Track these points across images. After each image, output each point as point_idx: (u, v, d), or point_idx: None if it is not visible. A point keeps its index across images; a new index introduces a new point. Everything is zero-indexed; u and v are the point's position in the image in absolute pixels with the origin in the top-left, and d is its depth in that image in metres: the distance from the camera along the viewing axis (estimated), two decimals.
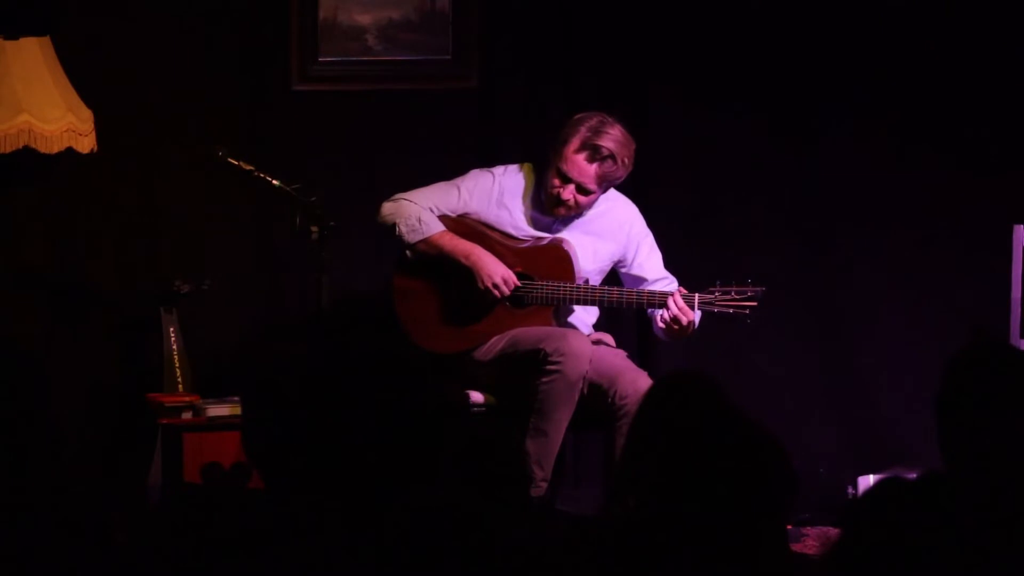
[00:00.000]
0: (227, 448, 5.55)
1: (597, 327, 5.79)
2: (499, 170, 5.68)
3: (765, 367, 6.57)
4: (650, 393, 3.90)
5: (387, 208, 5.58)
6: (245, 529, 2.55)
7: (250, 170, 5.64)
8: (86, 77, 5.88)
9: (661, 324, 5.52)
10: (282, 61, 6.28)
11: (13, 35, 5.70)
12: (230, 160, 5.63)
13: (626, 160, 5.50)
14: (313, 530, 2.51)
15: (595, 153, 5.46)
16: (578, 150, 5.47)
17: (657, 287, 5.63)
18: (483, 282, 5.50)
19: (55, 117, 5.67)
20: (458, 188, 5.64)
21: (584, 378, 5.37)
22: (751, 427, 2.69)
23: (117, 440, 6.05)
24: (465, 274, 5.53)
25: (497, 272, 5.50)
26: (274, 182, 5.63)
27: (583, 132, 5.48)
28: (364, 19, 6.36)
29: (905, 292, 6.58)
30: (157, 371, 5.93)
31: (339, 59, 6.33)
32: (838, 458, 6.46)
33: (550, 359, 5.34)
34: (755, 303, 5.49)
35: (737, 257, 6.43)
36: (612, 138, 5.47)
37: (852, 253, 6.59)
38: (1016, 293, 5.94)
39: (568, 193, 5.51)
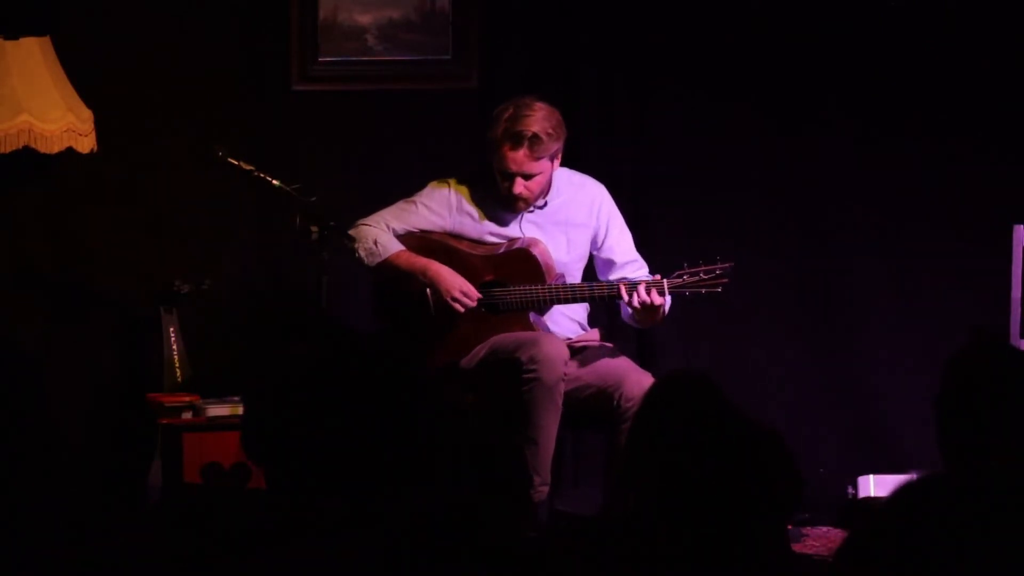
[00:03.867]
0: (227, 448, 5.55)
1: (593, 322, 5.80)
2: (453, 178, 5.69)
3: (765, 367, 6.57)
4: (650, 393, 3.90)
5: (348, 235, 5.60)
6: (245, 529, 2.55)
7: (250, 170, 5.64)
8: (86, 77, 5.88)
9: (629, 310, 5.55)
10: (282, 61, 6.28)
11: (13, 35, 5.70)
12: (230, 160, 5.63)
13: (551, 131, 5.50)
14: (313, 530, 2.51)
15: (518, 140, 5.47)
16: (501, 144, 5.49)
17: (627, 270, 5.65)
18: (442, 298, 5.52)
19: (55, 117, 5.68)
20: (416, 204, 5.66)
21: (563, 379, 5.37)
22: (751, 426, 2.69)
23: (117, 440, 6.05)
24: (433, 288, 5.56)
25: (454, 286, 5.52)
26: (274, 182, 5.63)
27: (503, 125, 5.49)
28: (364, 19, 6.35)
29: (905, 292, 6.58)
30: (157, 371, 5.93)
31: (339, 59, 6.33)
32: (838, 458, 6.46)
33: (525, 367, 5.35)
34: (726, 280, 5.50)
35: (737, 256, 6.43)
36: (531, 119, 5.48)
37: (852, 253, 6.59)
38: (1016, 293, 5.94)
39: (519, 187, 5.53)
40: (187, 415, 5.76)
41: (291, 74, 6.29)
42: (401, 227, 5.64)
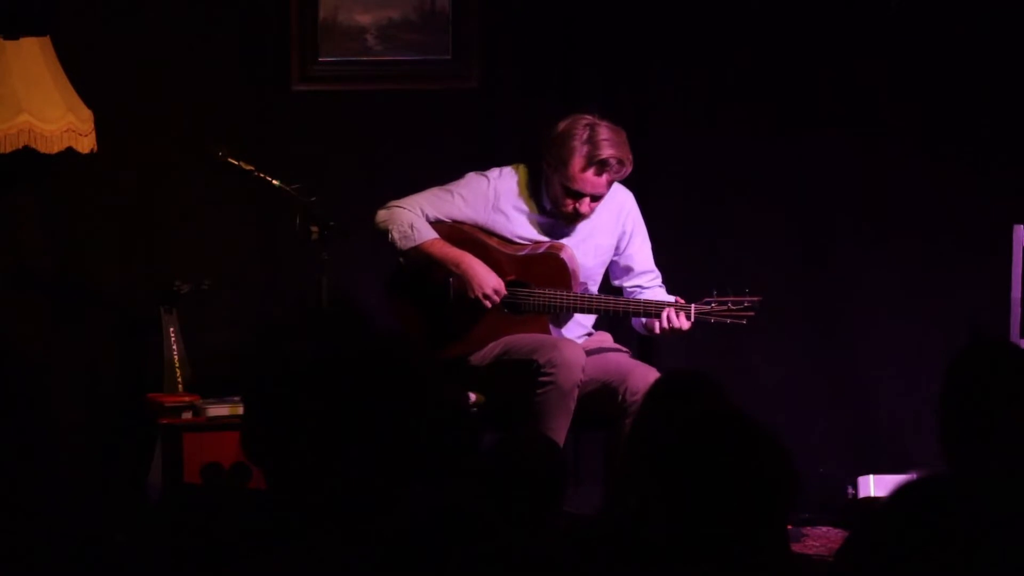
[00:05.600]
0: (227, 448, 5.55)
1: (597, 325, 5.81)
2: (494, 173, 5.68)
3: (765, 367, 6.57)
4: (650, 393, 3.91)
5: (381, 215, 5.59)
6: (245, 529, 2.55)
7: (250, 170, 5.64)
8: (86, 77, 5.88)
9: (643, 319, 5.56)
10: (282, 61, 6.28)
11: (13, 35, 5.70)
12: (230, 160, 5.64)
13: (629, 155, 5.53)
14: (313, 530, 2.51)
15: (603, 166, 5.48)
16: (584, 168, 5.48)
17: (643, 280, 5.67)
18: (473, 291, 5.51)
19: (55, 117, 5.67)
20: (452, 193, 5.64)
21: (579, 386, 5.38)
22: (751, 426, 2.69)
23: (117, 440, 6.05)
24: (459, 280, 5.55)
25: (487, 282, 5.51)
26: (274, 182, 5.63)
27: (580, 148, 5.47)
28: (364, 19, 6.35)
29: (905, 292, 6.58)
30: (157, 371, 5.93)
31: (339, 59, 6.33)
32: (838, 458, 6.46)
33: (543, 370, 5.35)
34: (752, 313, 5.50)
35: (737, 258, 6.43)
36: (609, 143, 5.48)
37: (852, 253, 6.59)
38: (1016, 293, 5.94)
39: (586, 207, 5.53)
40: (187, 415, 5.76)
41: (291, 74, 6.29)
42: (434, 214, 5.62)
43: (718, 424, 2.71)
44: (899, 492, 1.90)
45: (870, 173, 6.58)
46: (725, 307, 5.50)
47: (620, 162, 5.49)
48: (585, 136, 5.48)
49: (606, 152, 5.46)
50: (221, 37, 6.20)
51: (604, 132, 5.49)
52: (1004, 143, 6.53)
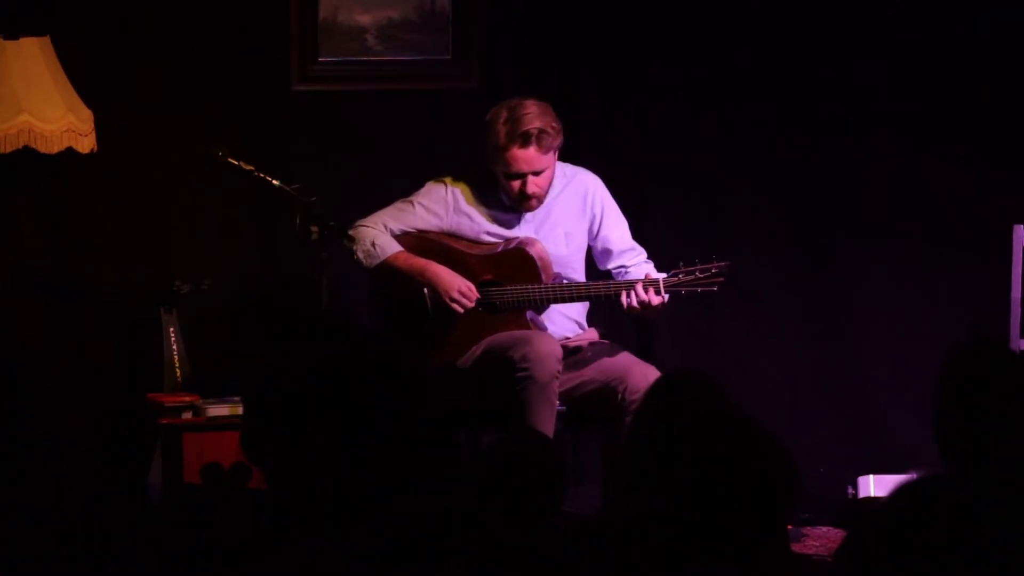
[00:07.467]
0: (227, 448, 5.55)
1: (592, 322, 5.81)
2: (449, 178, 5.71)
3: (765, 366, 6.57)
4: (651, 392, 3.90)
5: (347, 236, 5.62)
6: (245, 529, 2.55)
7: (250, 170, 5.64)
8: (86, 77, 5.88)
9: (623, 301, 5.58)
10: (282, 61, 6.28)
11: (13, 35, 5.70)
12: (230, 160, 5.63)
13: (553, 124, 5.55)
14: (313, 530, 2.51)
15: (525, 139, 5.51)
16: (507, 146, 5.51)
17: (625, 258, 5.69)
18: (441, 298, 5.53)
19: (55, 117, 5.68)
20: (413, 203, 5.68)
21: (557, 377, 5.39)
22: (752, 426, 2.69)
23: (117, 440, 6.05)
24: (430, 288, 5.57)
25: (453, 285, 5.54)
26: (274, 182, 5.63)
27: (502, 128, 5.52)
28: (364, 19, 6.35)
29: (905, 292, 6.58)
30: (157, 371, 5.93)
31: (339, 59, 6.33)
32: (838, 458, 6.46)
33: (519, 366, 5.37)
34: (722, 279, 5.51)
35: (737, 256, 6.42)
36: (530, 116, 5.52)
37: (852, 253, 6.59)
38: (1016, 293, 5.94)
39: (531, 186, 5.55)
40: (187, 415, 5.76)
41: (291, 74, 6.29)
42: (399, 227, 5.66)
43: (718, 424, 2.71)
44: (899, 492, 1.90)
45: (870, 173, 6.58)
46: (693, 276, 5.51)
47: (542, 131, 5.51)
48: (505, 116, 5.53)
49: (527, 125, 5.50)
50: (221, 37, 6.20)
51: (524, 108, 5.54)
52: (1004, 143, 6.53)
